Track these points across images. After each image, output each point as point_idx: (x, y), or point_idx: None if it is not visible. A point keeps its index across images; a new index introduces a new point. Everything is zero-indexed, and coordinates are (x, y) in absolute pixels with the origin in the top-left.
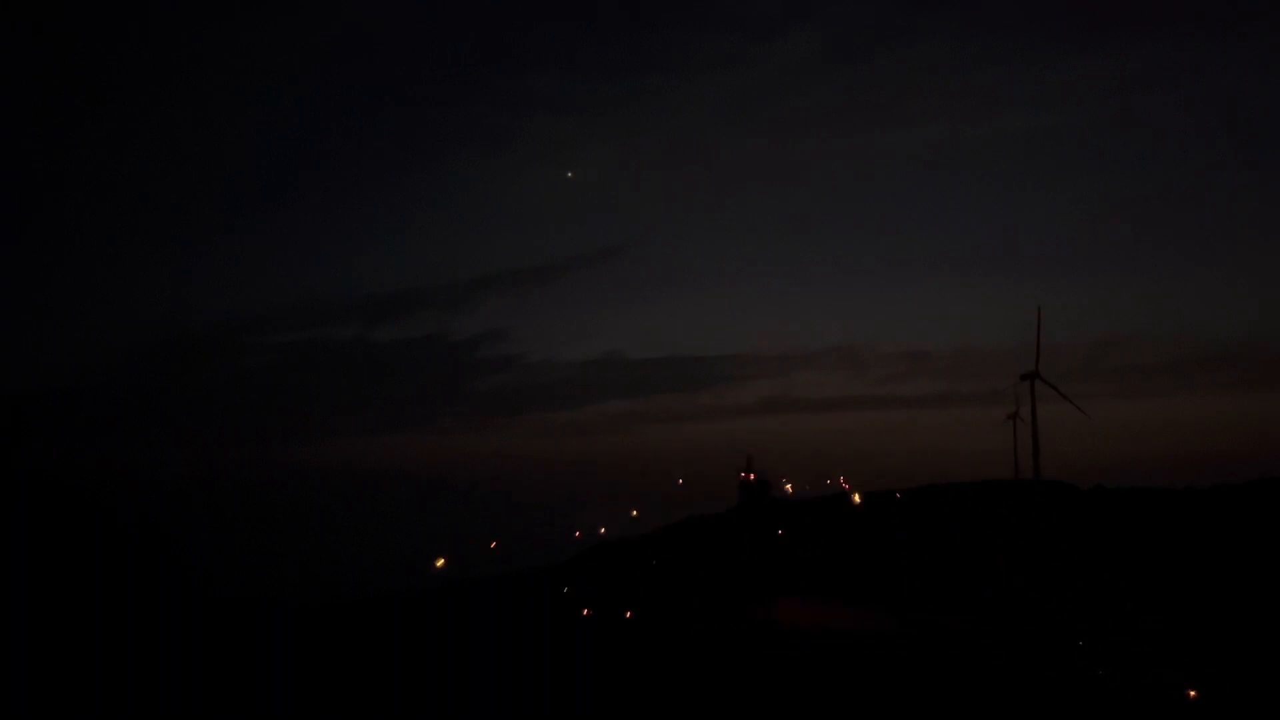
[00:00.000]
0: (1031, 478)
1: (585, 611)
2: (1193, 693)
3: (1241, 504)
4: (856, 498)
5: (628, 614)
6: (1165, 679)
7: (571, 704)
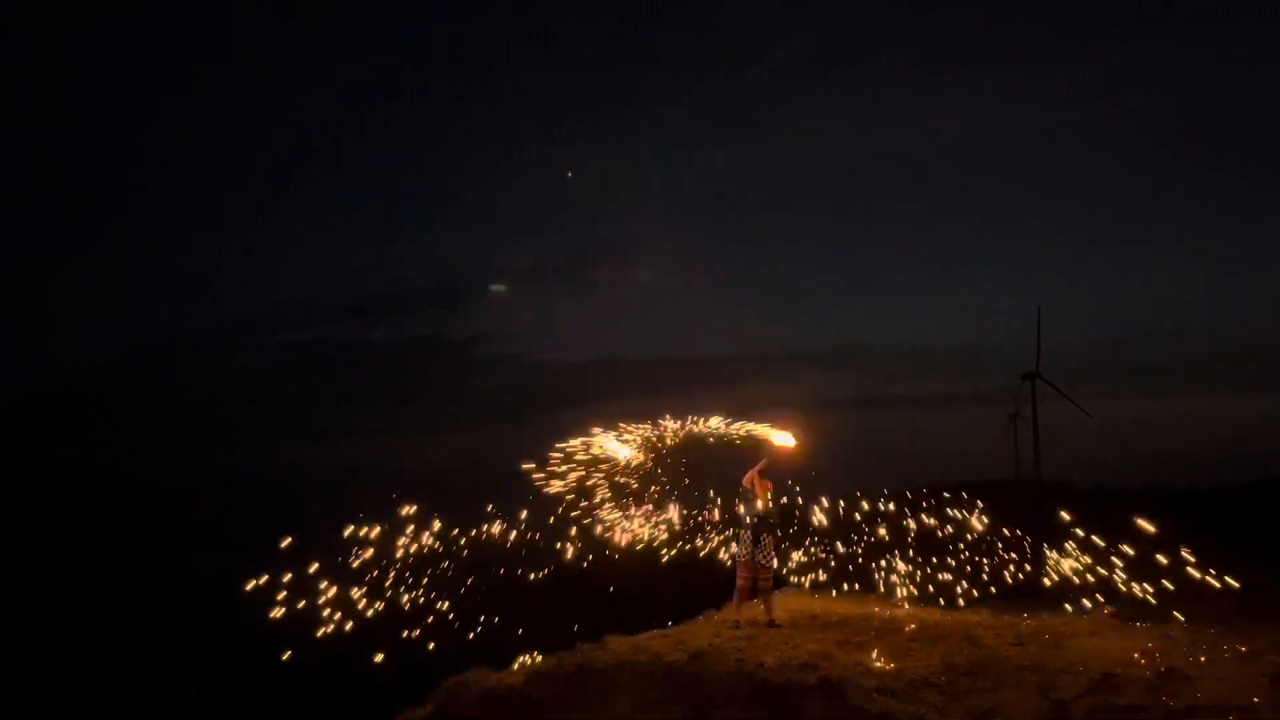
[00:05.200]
0: (1033, 478)
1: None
2: None
3: (1245, 505)
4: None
5: None
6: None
7: None
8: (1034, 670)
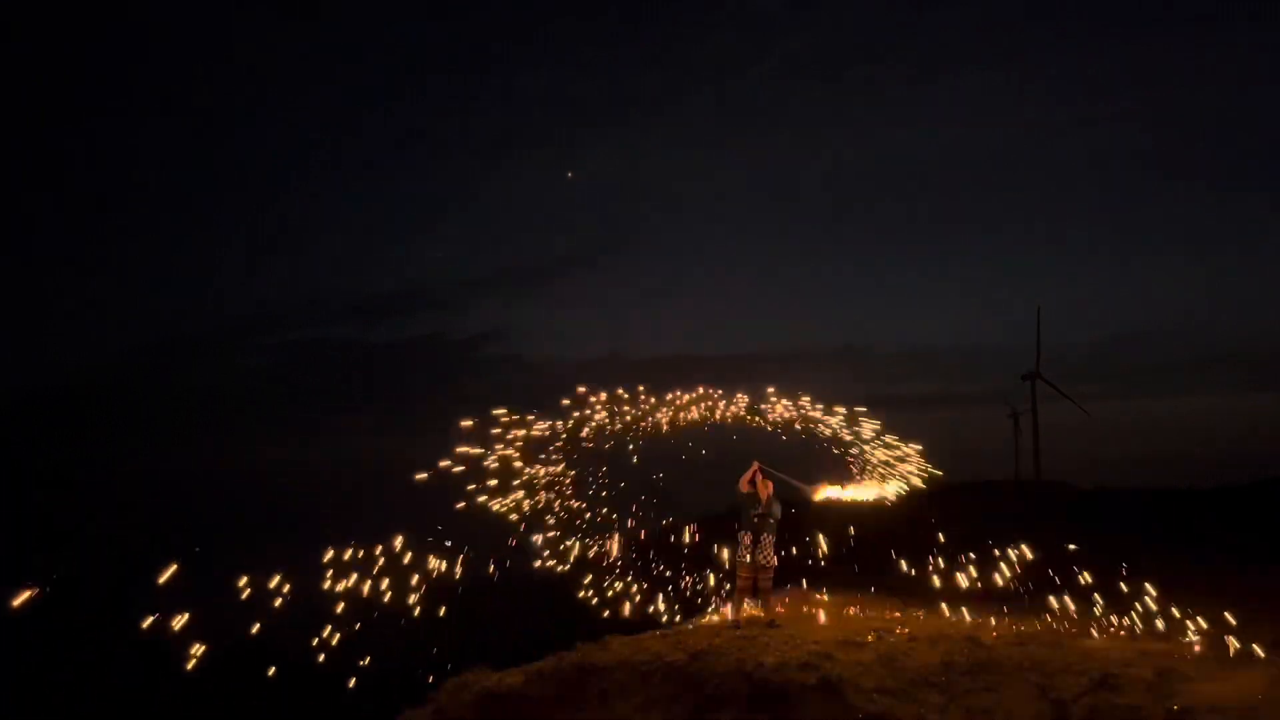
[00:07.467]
0: (1032, 478)
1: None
2: None
3: (1245, 505)
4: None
5: None
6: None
7: None
8: (1034, 670)
